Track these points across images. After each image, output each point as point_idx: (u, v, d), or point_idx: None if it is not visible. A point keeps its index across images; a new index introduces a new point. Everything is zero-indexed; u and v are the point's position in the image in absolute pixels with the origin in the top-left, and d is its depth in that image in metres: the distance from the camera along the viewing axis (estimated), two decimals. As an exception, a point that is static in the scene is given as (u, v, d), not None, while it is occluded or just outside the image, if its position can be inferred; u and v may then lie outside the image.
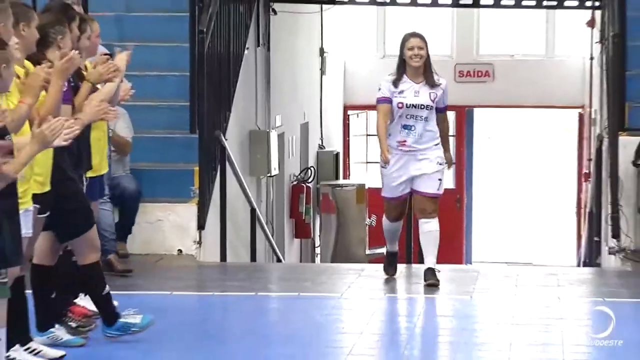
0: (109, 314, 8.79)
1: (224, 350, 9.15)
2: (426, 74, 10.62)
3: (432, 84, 10.62)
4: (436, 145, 10.69)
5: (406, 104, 10.55)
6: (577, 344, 9.23)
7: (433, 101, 10.60)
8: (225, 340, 9.49)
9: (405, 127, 10.60)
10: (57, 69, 7.76)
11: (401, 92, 10.57)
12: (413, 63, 10.50)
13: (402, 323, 9.61)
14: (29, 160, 6.97)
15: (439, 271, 10.76)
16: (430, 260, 10.72)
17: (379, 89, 10.66)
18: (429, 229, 10.67)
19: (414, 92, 10.55)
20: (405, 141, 10.61)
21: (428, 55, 10.59)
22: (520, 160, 31.26)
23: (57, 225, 8.43)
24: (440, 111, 10.76)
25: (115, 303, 9.47)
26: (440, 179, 10.67)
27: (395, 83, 10.60)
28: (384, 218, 11.15)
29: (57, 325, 8.74)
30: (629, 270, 12.36)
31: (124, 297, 10.28)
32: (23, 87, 7.34)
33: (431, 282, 10.60)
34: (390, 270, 11.28)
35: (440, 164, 10.67)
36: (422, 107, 10.60)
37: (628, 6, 13.08)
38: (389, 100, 10.58)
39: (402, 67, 10.60)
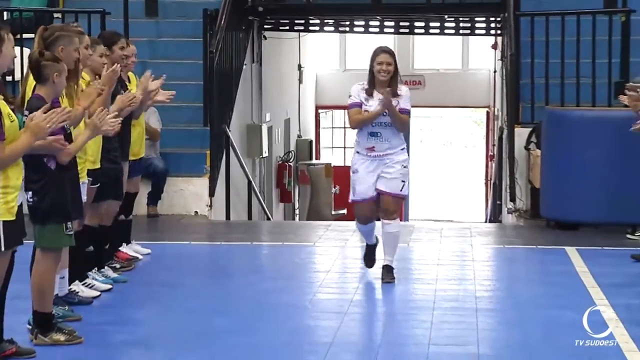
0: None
1: (229, 284, 9.13)
2: (391, 85, 8.56)
3: (394, 94, 8.53)
4: (402, 150, 8.69)
5: None
6: (484, 279, 9.25)
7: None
8: (230, 277, 9.48)
9: (372, 134, 8.57)
10: (104, 77, 7.77)
11: (368, 101, 8.58)
12: (380, 77, 8.52)
13: (358, 264, 9.57)
14: (85, 143, 6.95)
15: (394, 269, 8.90)
16: (388, 258, 8.85)
17: (350, 96, 8.66)
18: (391, 230, 8.73)
19: (378, 101, 8.50)
20: (373, 147, 8.58)
21: (396, 69, 8.63)
22: (444, 146, 31.31)
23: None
24: (401, 113, 8.57)
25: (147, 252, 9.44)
26: (403, 181, 8.65)
27: (367, 92, 8.60)
28: (356, 224, 9.01)
29: (106, 267, 8.73)
30: (521, 225, 12.38)
31: (156, 245, 10.28)
32: (82, 94, 7.35)
33: (387, 281, 8.78)
34: (369, 262, 9.14)
35: (404, 167, 8.66)
36: (385, 114, 8.50)
37: (521, 33, 13.10)
38: (359, 105, 8.60)
39: (373, 79, 8.59)
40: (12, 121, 5.75)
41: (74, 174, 6.86)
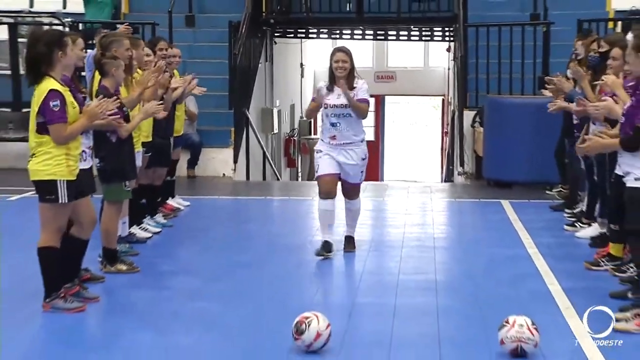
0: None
1: (248, 227, 9.13)
2: (348, 80, 7.43)
3: (351, 88, 7.42)
4: (362, 141, 7.52)
5: (330, 105, 7.42)
6: (441, 224, 9.26)
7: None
8: (249, 222, 9.48)
9: (332, 124, 7.42)
10: (152, 71, 7.75)
11: (329, 95, 7.47)
12: (337, 73, 7.43)
13: (344, 214, 9.55)
14: (138, 124, 7.06)
15: (354, 238, 7.79)
16: (350, 231, 7.76)
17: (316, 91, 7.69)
18: (353, 208, 7.72)
19: (337, 95, 7.41)
20: (335, 136, 7.43)
21: (352, 66, 7.49)
22: (411, 125, 31.20)
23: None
24: (360, 102, 7.43)
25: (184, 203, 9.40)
26: (362, 171, 7.58)
27: (328, 88, 7.49)
28: (318, 201, 7.57)
29: (157, 215, 8.72)
30: (468, 184, 12.38)
31: (194, 199, 10.27)
32: (136, 82, 7.37)
33: (348, 250, 7.66)
34: (322, 252, 7.43)
35: (363, 159, 7.53)
36: (343, 106, 7.40)
37: (469, 40, 13.08)
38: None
39: (332, 76, 7.50)
40: (74, 107, 5.71)
41: (130, 145, 6.96)
